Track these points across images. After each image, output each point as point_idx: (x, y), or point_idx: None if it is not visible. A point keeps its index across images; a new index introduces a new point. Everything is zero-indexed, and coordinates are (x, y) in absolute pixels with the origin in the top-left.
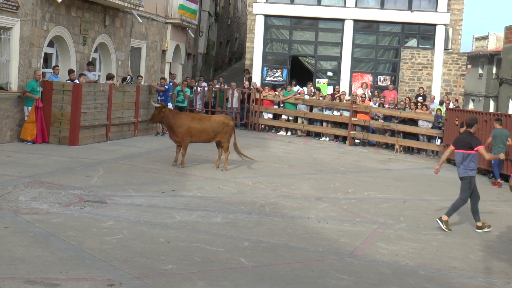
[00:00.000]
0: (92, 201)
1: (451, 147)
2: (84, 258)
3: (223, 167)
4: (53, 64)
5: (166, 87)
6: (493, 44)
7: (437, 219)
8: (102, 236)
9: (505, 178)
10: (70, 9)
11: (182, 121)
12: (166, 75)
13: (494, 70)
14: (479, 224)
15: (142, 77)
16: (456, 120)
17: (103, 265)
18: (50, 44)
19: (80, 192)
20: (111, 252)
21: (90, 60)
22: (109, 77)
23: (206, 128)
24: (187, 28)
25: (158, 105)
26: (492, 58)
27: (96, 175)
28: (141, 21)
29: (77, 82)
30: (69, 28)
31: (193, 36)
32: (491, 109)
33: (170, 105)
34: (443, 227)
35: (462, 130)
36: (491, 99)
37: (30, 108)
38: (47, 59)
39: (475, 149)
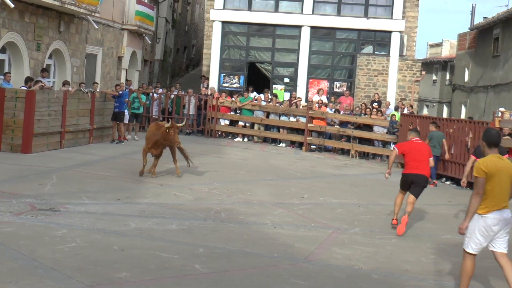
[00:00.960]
0: (44, 209)
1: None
2: (35, 268)
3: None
4: (5, 70)
5: (121, 92)
6: (447, 51)
7: None
8: (55, 244)
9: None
10: (23, 14)
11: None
12: (122, 82)
13: (448, 77)
14: None
15: (97, 83)
16: (410, 126)
17: (55, 274)
18: (3, 50)
19: (32, 200)
20: (64, 261)
21: (44, 66)
22: (65, 83)
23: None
24: (144, 35)
25: (168, 125)
26: (445, 64)
27: (49, 183)
28: (96, 27)
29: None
30: (23, 34)
31: (150, 42)
32: (445, 115)
33: (126, 112)
34: None
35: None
36: (444, 105)
37: None
38: None
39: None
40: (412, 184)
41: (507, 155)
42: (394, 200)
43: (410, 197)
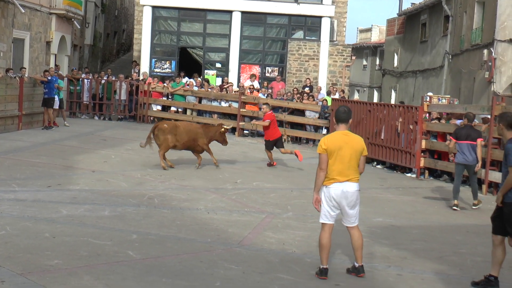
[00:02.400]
0: None
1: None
2: None
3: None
4: None
5: (49, 78)
6: (376, 36)
7: (473, 207)
8: None
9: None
10: None
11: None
12: (52, 67)
13: (378, 62)
14: (476, 202)
15: (25, 68)
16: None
17: None
18: None
19: None
20: None
21: None
22: None
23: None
24: (73, 19)
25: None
26: (375, 50)
27: None
28: (23, 11)
29: None
30: None
31: (79, 27)
32: (375, 99)
33: (56, 98)
34: (479, 206)
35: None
36: (375, 90)
37: None
38: None
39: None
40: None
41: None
42: None
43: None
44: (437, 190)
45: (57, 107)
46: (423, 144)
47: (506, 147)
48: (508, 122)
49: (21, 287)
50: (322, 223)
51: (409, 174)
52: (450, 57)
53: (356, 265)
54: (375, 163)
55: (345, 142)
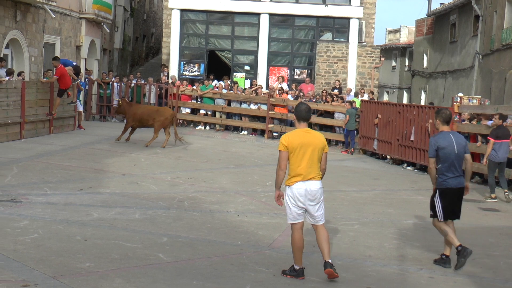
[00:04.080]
0: (5, 200)
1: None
2: None
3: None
4: None
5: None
6: (405, 37)
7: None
8: (16, 236)
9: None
10: None
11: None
12: (82, 71)
13: (407, 62)
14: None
15: (52, 71)
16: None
17: (17, 266)
18: None
19: None
20: (26, 252)
21: (1, 56)
22: (9, 72)
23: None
24: (102, 23)
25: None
26: (404, 50)
27: (10, 174)
28: (54, 16)
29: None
30: None
31: (108, 31)
32: (405, 101)
33: (78, 101)
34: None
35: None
36: (404, 91)
37: None
38: None
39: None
40: None
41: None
42: None
43: None
44: None
45: (81, 110)
46: None
47: (430, 140)
48: (444, 118)
49: None
50: (292, 224)
51: None
52: (481, 57)
53: (330, 261)
54: (405, 164)
55: (307, 139)
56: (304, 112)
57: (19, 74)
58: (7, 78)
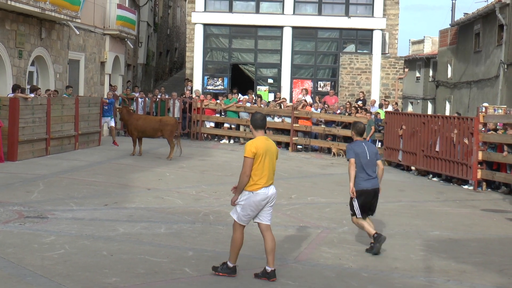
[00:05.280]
0: (32, 216)
1: None
2: (24, 275)
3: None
4: None
5: (108, 100)
6: (429, 47)
7: None
8: (43, 251)
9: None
10: (4, 22)
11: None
12: (106, 87)
13: (431, 73)
14: None
15: (71, 87)
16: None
17: (44, 282)
18: None
19: (19, 208)
20: (53, 268)
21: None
22: (33, 89)
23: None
24: (126, 39)
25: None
26: (428, 61)
27: (36, 190)
28: (78, 33)
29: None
30: (4, 42)
31: (132, 46)
32: (429, 111)
33: (109, 117)
34: None
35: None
36: (428, 101)
37: None
38: None
39: None
40: None
41: None
42: None
43: None
44: (495, 202)
45: (113, 125)
46: (480, 155)
47: (347, 146)
48: (357, 130)
49: None
50: (239, 225)
51: (466, 186)
52: (506, 67)
53: (269, 269)
54: (431, 175)
55: (268, 146)
56: (260, 120)
57: (46, 91)
58: (31, 95)
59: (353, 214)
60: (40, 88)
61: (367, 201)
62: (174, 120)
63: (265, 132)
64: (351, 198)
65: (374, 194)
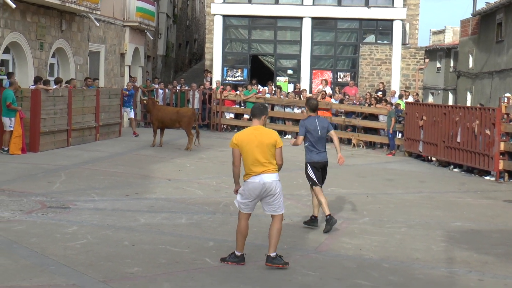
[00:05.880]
0: (54, 207)
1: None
2: (47, 265)
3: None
4: (9, 70)
5: (128, 92)
6: (450, 37)
7: None
8: (66, 241)
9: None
10: (25, 14)
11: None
12: (126, 79)
13: (452, 63)
14: None
15: (91, 79)
16: (417, 115)
17: (67, 271)
18: (6, 51)
19: (42, 198)
20: (75, 258)
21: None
22: (57, 81)
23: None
24: (146, 31)
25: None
26: (449, 51)
27: (58, 180)
28: (98, 24)
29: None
30: (25, 34)
31: (151, 38)
32: (450, 102)
33: (130, 110)
34: None
35: None
36: (449, 92)
37: (12, 119)
38: (3, 65)
39: None
40: None
41: None
42: None
43: None
44: None
45: (132, 116)
46: (502, 146)
47: (300, 122)
48: (310, 106)
49: None
50: (242, 213)
51: (487, 177)
52: None
53: (273, 255)
54: (452, 166)
55: (255, 136)
56: (256, 109)
57: (68, 82)
58: (54, 86)
59: (313, 184)
60: (62, 80)
61: (318, 172)
62: (191, 111)
63: (265, 122)
64: (306, 171)
65: (323, 166)
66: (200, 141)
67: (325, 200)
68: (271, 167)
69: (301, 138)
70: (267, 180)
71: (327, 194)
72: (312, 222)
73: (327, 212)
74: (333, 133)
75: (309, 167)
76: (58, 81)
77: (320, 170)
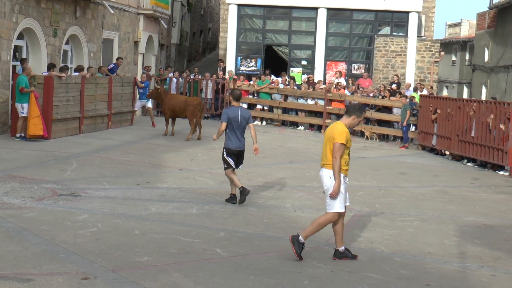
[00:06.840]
0: (65, 194)
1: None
2: (58, 252)
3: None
4: (24, 57)
5: (143, 83)
6: (466, 30)
7: None
8: (76, 229)
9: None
10: (39, 0)
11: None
12: (139, 67)
13: (467, 57)
14: None
15: (92, 67)
16: (431, 108)
17: (77, 259)
18: (20, 37)
19: (53, 185)
20: (85, 246)
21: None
22: (79, 69)
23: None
24: (160, 19)
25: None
26: (465, 44)
27: (69, 168)
28: (112, 12)
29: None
30: (39, 20)
31: (166, 26)
32: (465, 96)
33: (148, 102)
34: None
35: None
36: (464, 86)
37: (25, 104)
38: (16, 51)
39: None
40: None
41: None
42: None
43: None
44: None
45: (150, 105)
46: None
47: (223, 110)
48: (234, 96)
49: (112, 282)
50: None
51: (501, 172)
52: None
53: (341, 249)
54: (465, 160)
55: (328, 132)
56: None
57: (88, 69)
58: (76, 74)
59: (227, 167)
60: (84, 68)
61: (234, 158)
62: (197, 101)
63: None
64: (223, 155)
65: (239, 153)
66: (200, 133)
67: (237, 177)
68: (325, 161)
69: (224, 124)
70: (320, 174)
71: None
72: (231, 199)
73: (239, 185)
74: (251, 126)
75: (225, 152)
76: (79, 69)
77: (236, 155)
